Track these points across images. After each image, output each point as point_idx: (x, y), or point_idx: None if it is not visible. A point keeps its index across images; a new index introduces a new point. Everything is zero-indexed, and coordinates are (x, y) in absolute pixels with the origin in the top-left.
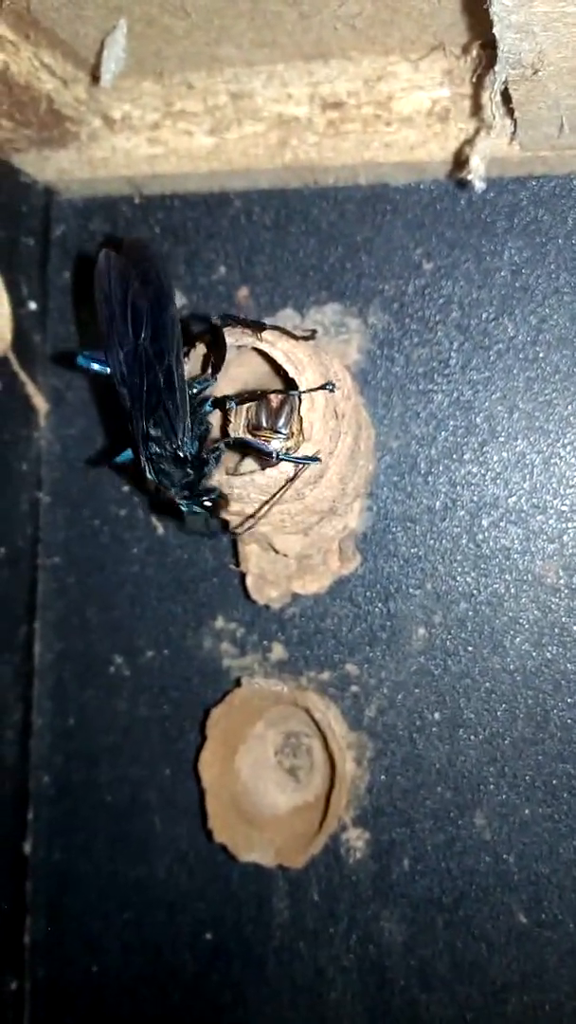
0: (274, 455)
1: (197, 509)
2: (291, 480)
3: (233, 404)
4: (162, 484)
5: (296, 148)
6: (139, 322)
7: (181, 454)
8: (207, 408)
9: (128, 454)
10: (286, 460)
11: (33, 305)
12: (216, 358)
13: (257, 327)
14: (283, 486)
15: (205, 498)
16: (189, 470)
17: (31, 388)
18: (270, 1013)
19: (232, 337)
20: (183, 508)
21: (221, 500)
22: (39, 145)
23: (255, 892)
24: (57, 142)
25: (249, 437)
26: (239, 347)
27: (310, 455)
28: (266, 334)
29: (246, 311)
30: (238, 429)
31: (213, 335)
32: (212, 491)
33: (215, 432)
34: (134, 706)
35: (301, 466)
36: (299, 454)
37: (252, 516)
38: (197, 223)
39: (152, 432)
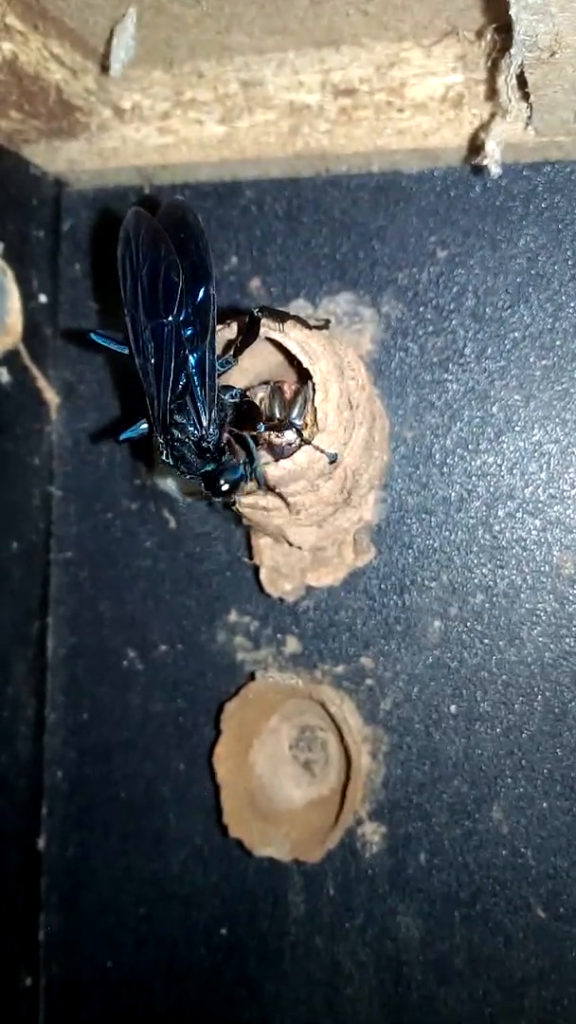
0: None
1: (224, 487)
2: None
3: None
4: (180, 470)
5: (308, 136)
6: (171, 298)
7: (205, 444)
8: (228, 397)
9: (135, 430)
10: (308, 443)
11: (44, 298)
12: (242, 344)
13: (285, 318)
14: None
15: (226, 478)
16: (210, 459)
17: (42, 381)
18: (286, 1008)
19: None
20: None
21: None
22: (48, 136)
23: (271, 887)
24: (67, 133)
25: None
26: None
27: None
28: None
29: (258, 301)
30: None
31: (250, 325)
32: (231, 471)
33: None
34: (148, 701)
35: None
36: (314, 445)
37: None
38: (208, 213)
39: (176, 418)
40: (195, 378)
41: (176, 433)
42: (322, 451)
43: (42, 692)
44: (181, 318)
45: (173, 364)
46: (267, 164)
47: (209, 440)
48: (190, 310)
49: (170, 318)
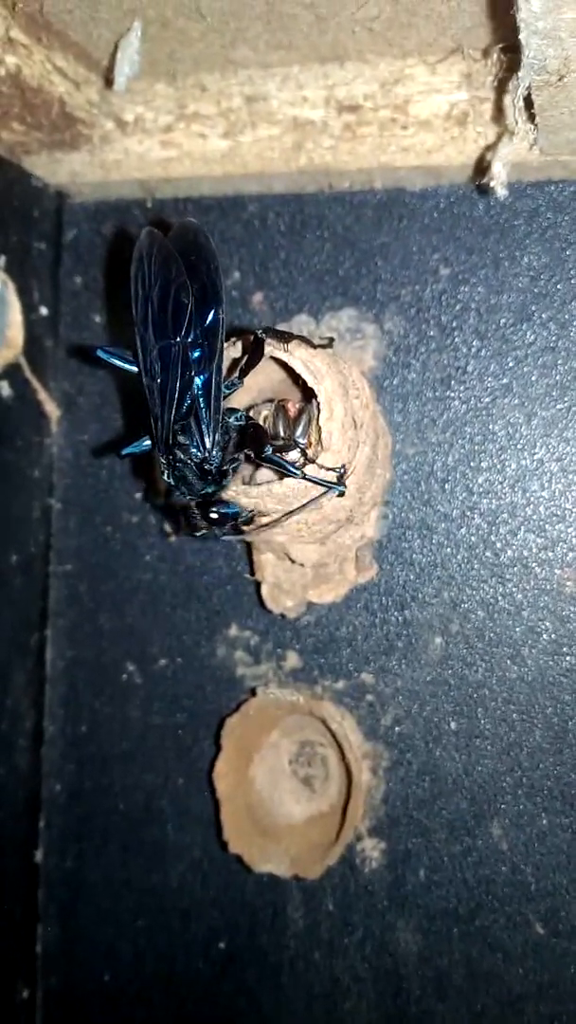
0: (300, 474)
1: (213, 515)
2: (315, 499)
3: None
4: (179, 491)
5: (311, 152)
6: (180, 319)
7: (207, 466)
8: (233, 419)
9: (137, 446)
10: (312, 480)
11: (44, 310)
12: (247, 365)
13: (288, 339)
14: (306, 503)
15: (218, 509)
16: (211, 481)
17: (43, 394)
18: (284, 1022)
19: (235, 348)
20: (196, 518)
21: (242, 521)
22: (51, 148)
23: (269, 901)
24: (69, 145)
25: (273, 455)
26: None
27: (334, 481)
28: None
29: (260, 316)
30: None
31: (254, 346)
32: (226, 504)
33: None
34: (147, 714)
35: (326, 493)
36: (318, 464)
37: (267, 525)
38: (211, 227)
39: (180, 439)
40: (200, 400)
41: (179, 454)
42: (325, 477)
43: (41, 704)
44: (189, 339)
45: (179, 385)
46: (270, 179)
47: (211, 463)
48: (198, 332)
49: (178, 339)
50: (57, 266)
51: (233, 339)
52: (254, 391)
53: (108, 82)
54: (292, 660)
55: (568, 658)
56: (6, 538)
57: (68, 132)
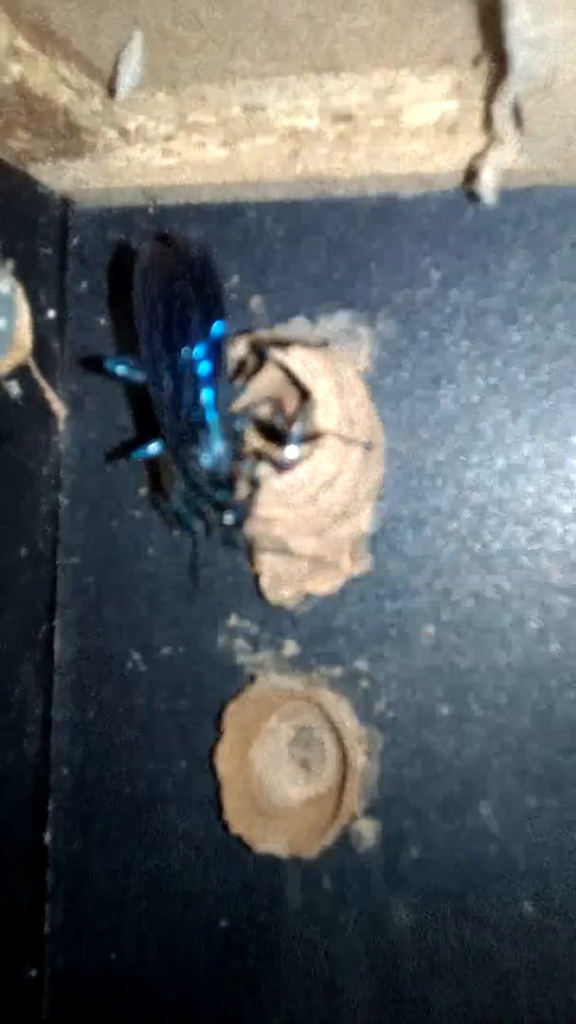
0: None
1: (227, 521)
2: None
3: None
4: (191, 496)
5: (307, 160)
6: (186, 333)
7: (220, 476)
8: (239, 424)
9: (145, 451)
10: (343, 439)
11: (52, 313)
12: (252, 373)
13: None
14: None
15: (231, 514)
16: (221, 487)
17: (50, 394)
18: (283, 997)
19: (245, 346)
20: (209, 520)
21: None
22: (56, 156)
23: (268, 881)
24: (73, 153)
25: (265, 449)
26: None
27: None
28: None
29: (258, 320)
30: (255, 439)
31: (260, 360)
32: (237, 508)
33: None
34: (151, 701)
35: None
36: (314, 459)
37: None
38: (211, 233)
39: (192, 450)
40: (208, 410)
41: (192, 465)
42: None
43: (49, 693)
44: (195, 353)
45: (187, 397)
46: (267, 187)
47: (222, 471)
48: (204, 345)
49: (184, 352)
50: (63, 271)
51: (235, 339)
52: (253, 390)
53: (111, 91)
54: (290, 648)
55: (554, 645)
56: (16, 532)
57: (73, 140)
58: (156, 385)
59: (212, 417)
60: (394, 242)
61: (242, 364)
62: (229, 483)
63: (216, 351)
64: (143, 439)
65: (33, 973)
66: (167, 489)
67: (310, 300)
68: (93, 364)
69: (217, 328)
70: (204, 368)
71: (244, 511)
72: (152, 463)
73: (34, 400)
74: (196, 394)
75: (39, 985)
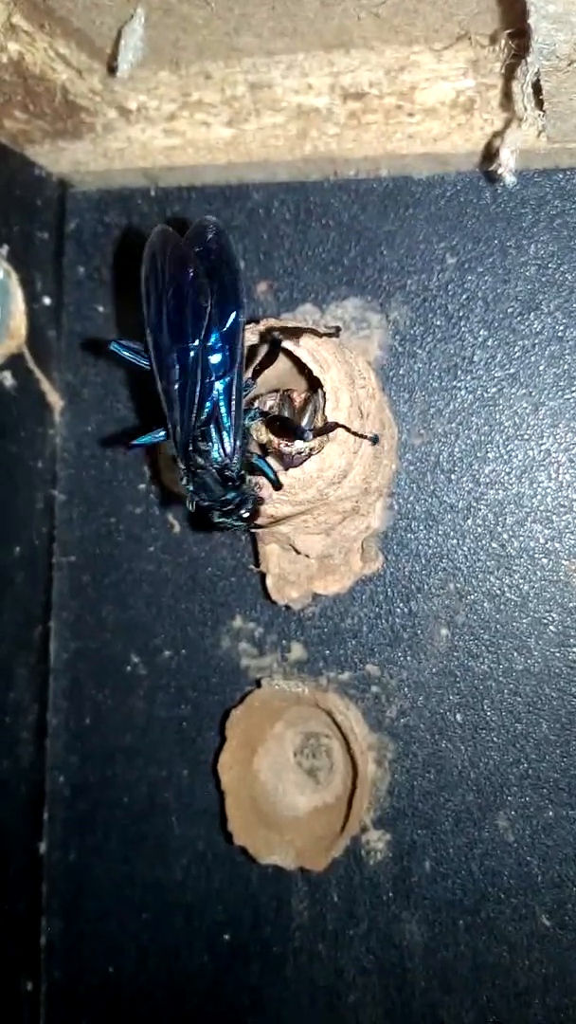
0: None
1: (235, 522)
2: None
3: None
4: (199, 497)
5: (316, 140)
6: (199, 322)
7: (228, 472)
8: (249, 420)
9: (145, 439)
10: (352, 433)
11: (48, 300)
12: (260, 366)
13: (298, 334)
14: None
15: (243, 511)
16: (232, 487)
17: (46, 384)
18: (288, 1015)
19: (253, 334)
20: (218, 521)
21: (256, 507)
22: (53, 137)
23: (274, 893)
24: (72, 133)
25: (275, 441)
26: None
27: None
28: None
29: (265, 306)
30: (260, 433)
31: (270, 348)
32: (247, 502)
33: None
34: (151, 706)
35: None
36: (323, 454)
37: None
38: (215, 216)
39: (200, 446)
40: (222, 405)
41: (199, 460)
42: (361, 435)
43: (44, 697)
44: (208, 343)
45: (199, 390)
46: (274, 167)
47: (233, 468)
48: (218, 336)
49: (196, 343)
50: (60, 256)
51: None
52: (259, 383)
53: (111, 70)
54: (297, 651)
55: (575, 649)
56: (9, 530)
57: (71, 120)
58: (164, 378)
59: (224, 411)
60: (407, 225)
61: (249, 354)
62: (239, 482)
63: (231, 341)
64: (145, 429)
65: (29, 986)
66: (167, 483)
67: (319, 286)
68: (94, 348)
69: (231, 317)
70: (215, 358)
71: (254, 509)
72: (152, 456)
73: (29, 391)
74: (209, 388)
75: (35, 999)
